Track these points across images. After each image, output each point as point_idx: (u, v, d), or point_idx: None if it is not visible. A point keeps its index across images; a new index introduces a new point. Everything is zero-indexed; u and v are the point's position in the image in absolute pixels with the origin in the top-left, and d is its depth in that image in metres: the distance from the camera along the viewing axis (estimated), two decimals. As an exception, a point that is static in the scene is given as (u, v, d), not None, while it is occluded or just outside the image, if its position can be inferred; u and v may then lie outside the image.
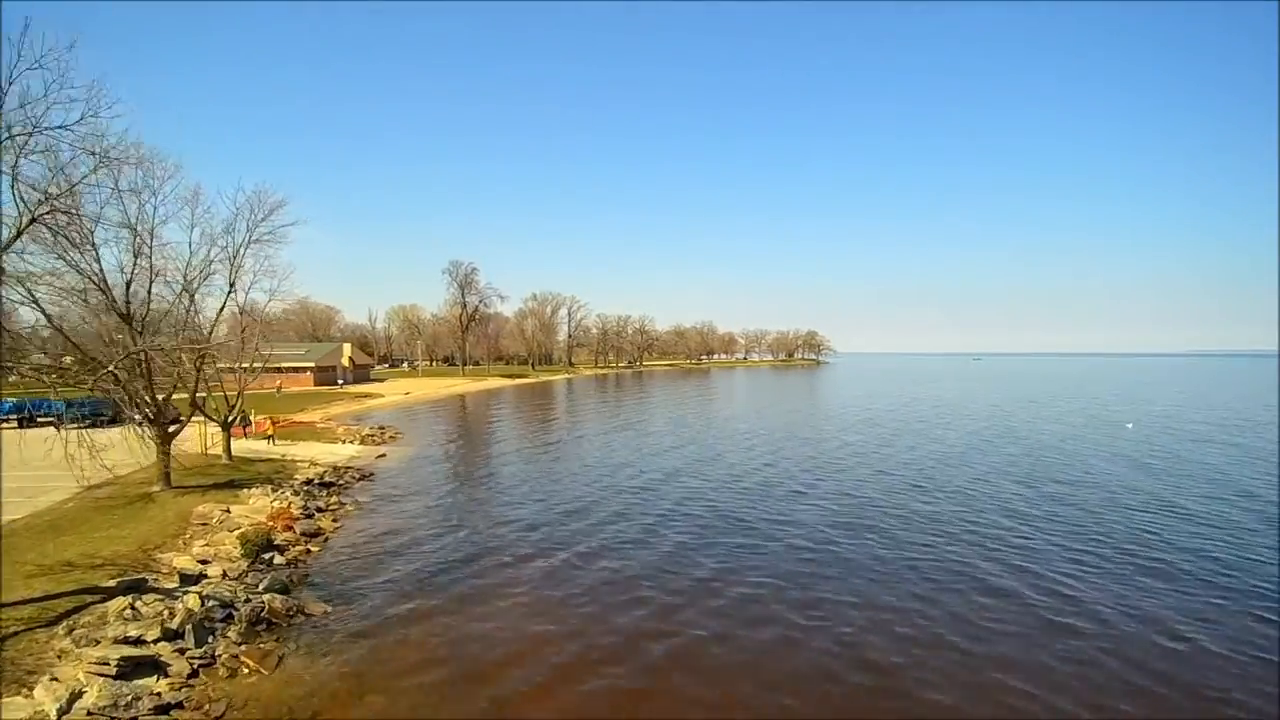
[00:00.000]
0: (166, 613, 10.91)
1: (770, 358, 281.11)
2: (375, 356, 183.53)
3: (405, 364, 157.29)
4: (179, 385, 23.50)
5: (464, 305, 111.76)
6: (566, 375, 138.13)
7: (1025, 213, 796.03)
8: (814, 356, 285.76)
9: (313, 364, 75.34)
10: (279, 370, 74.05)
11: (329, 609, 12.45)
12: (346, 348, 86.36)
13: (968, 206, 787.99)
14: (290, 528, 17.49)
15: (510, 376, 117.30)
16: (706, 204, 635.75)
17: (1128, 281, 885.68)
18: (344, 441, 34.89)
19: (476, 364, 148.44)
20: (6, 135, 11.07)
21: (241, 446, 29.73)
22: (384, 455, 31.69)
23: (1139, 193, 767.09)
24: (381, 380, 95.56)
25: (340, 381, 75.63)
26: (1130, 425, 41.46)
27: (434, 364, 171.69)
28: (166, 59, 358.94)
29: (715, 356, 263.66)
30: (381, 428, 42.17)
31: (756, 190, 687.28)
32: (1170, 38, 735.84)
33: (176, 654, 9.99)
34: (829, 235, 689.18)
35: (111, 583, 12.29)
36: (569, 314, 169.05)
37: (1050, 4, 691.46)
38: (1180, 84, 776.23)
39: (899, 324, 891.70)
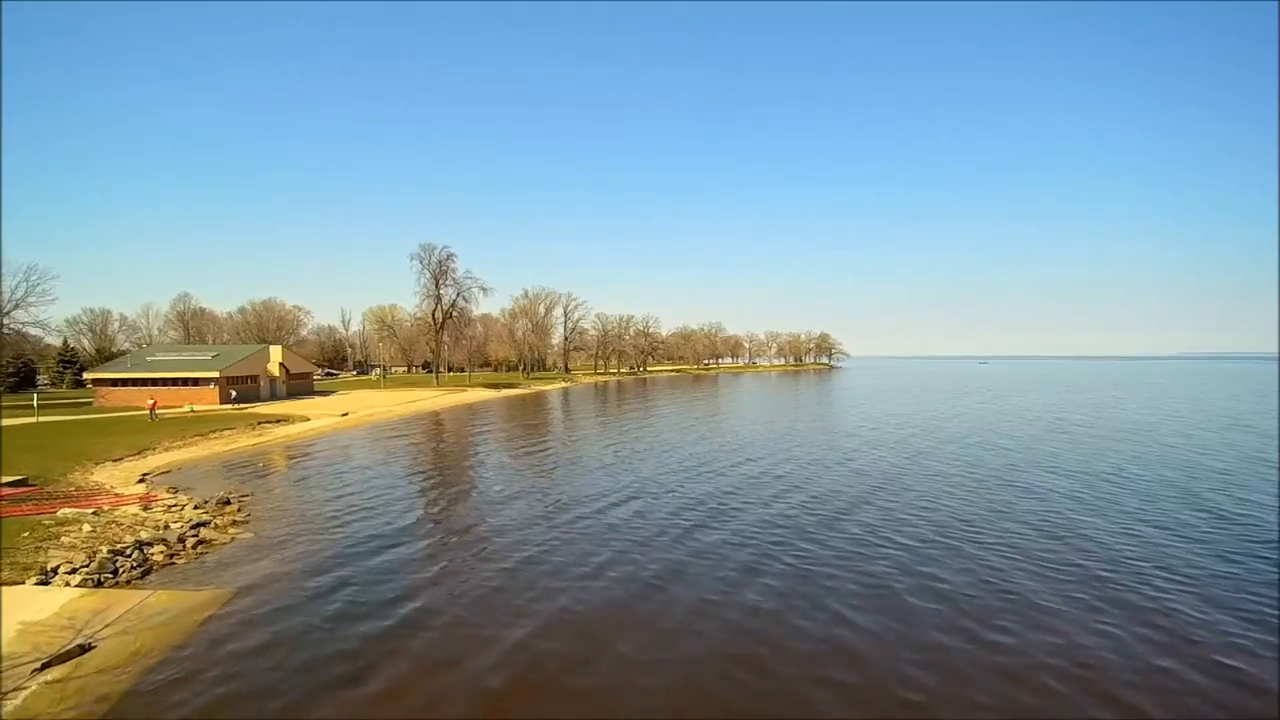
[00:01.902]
0: None
1: (780, 362, 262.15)
2: (350, 362, 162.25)
3: (375, 370, 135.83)
4: None
5: (438, 299, 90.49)
6: (563, 384, 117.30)
7: (1024, 216, 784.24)
8: (826, 361, 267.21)
9: (217, 374, 54.04)
10: (155, 384, 53.01)
11: None
12: (275, 352, 64.94)
13: (971, 207, 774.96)
14: None
15: (495, 386, 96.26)
16: (708, 204, 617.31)
17: (1122, 284, 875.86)
18: (46, 577, 13.92)
19: (460, 371, 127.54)
20: None
21: None
22: (83, 649, 10.89)
23: (1136, 195, 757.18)
24: (328, 394, 74.27)
25: (233, 395, 54.03)
26: None
27: (412, 371, 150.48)
28: (132, 64, 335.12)
29: (721, 361, 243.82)
30: (225, 503, 21.29)
31: (760, 191, 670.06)
32: (1170, 38, 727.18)
33: None
34: (834, 237, 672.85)
35: None
36: (565, 313, 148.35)
37: (1050, 4, 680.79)
38: (1180, 84, 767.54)
39: (900, 327, 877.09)
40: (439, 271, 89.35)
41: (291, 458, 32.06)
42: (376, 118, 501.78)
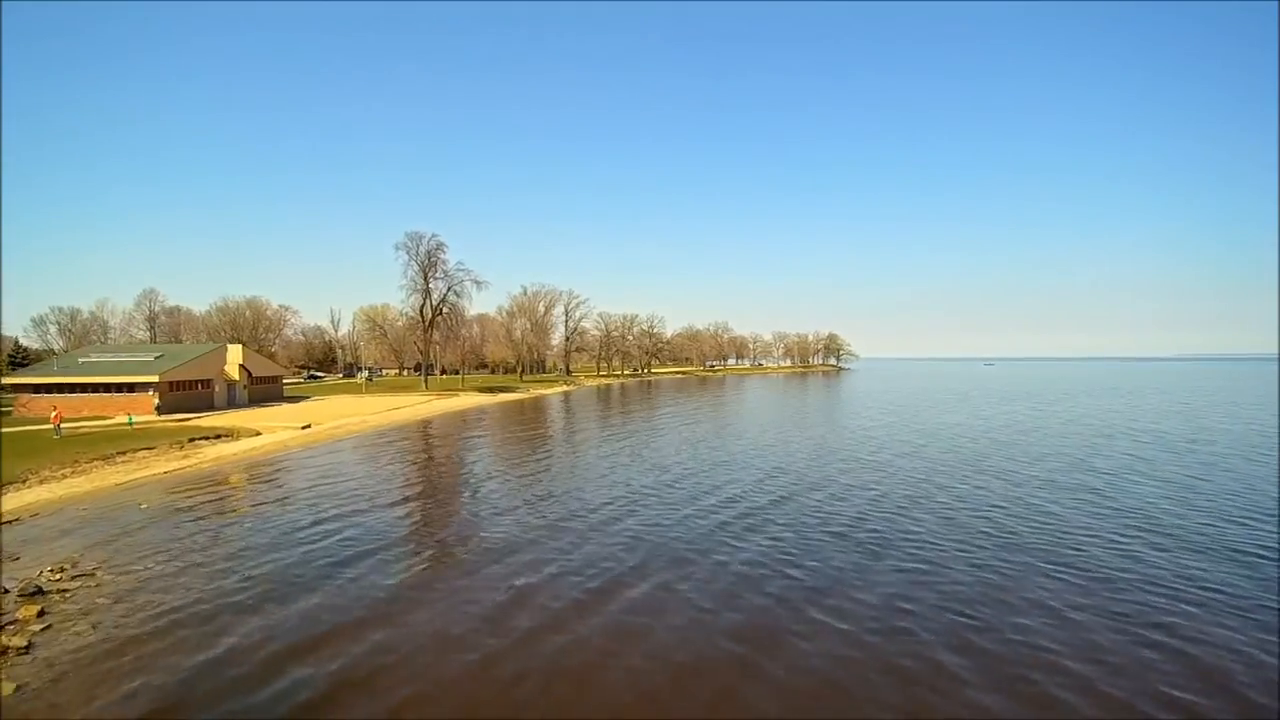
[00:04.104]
0: None
1: (786, 363, 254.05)
2: (340, 364, 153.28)
3: (360, 372, 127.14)
4: None
5: (427, 293, 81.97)
6: (564, 387, 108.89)
7: (1023, 216, 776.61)
8: (834, 362, 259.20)
9: (156, 378, 45.50)
10: (83, 389, 44.56)
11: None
12: (234, 352, 56.29)
13: (970, 208, 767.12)
14: None
15: (490, 390, 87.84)
16: (710, 205, 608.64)
17: (1122, 284, 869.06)
18: None
19: (454, 373, 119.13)
20: None
21: None
22: None
23: (1137, 195, 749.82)
24: (299, 400, 65.76)
25: (157, 404, 44.96)
26: None
27: (404, 373, 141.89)
28: (130, 66, 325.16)
29: (727, 362, 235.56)
30: (34, 593, 12.89)
31: (762, 191, 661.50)
32: (1170, 38, 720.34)
33: None
34: (834, 237, 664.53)
35: None
36: (566, 312, 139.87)
37: (1051, 4, 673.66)
38: (1180, 84, 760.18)
39: (901, 329, 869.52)
40: (427, 263, 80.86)
41: (199, 498, 23.50)
42: (377, 118, 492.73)
